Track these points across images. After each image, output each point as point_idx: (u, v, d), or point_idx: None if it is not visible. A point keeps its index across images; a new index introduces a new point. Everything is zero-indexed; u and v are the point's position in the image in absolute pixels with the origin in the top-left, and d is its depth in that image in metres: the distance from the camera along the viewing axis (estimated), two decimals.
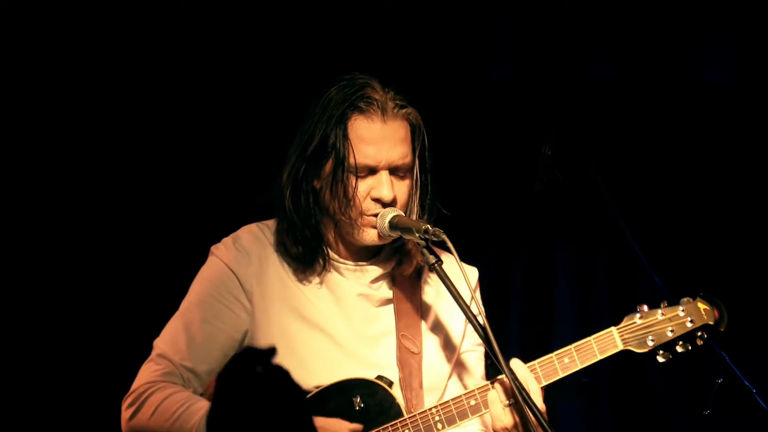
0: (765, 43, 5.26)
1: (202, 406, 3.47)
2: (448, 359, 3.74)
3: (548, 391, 3.53)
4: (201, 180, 4.95)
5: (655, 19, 5.30)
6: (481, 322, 3.36)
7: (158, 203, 4.92)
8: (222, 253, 3.67)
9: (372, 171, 3.56)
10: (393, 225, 3.52)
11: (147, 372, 3.58)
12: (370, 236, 3.58)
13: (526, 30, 5.29)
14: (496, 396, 3.45)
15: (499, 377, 3.48)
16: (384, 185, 3.55)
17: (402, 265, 3.70)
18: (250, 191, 3.87)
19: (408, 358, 3.65)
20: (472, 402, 3.50)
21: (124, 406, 3.57)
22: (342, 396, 3.53)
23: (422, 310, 3.74)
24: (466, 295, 3.45)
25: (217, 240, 3.73)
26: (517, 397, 3.34)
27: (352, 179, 3.55)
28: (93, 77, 4.81)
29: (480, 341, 3.67)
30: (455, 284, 3.43)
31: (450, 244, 3.40)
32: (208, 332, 3.58)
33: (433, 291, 3.77)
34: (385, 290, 3.72)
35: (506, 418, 3.42)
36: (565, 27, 5.24)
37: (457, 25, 5.24)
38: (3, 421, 4.70)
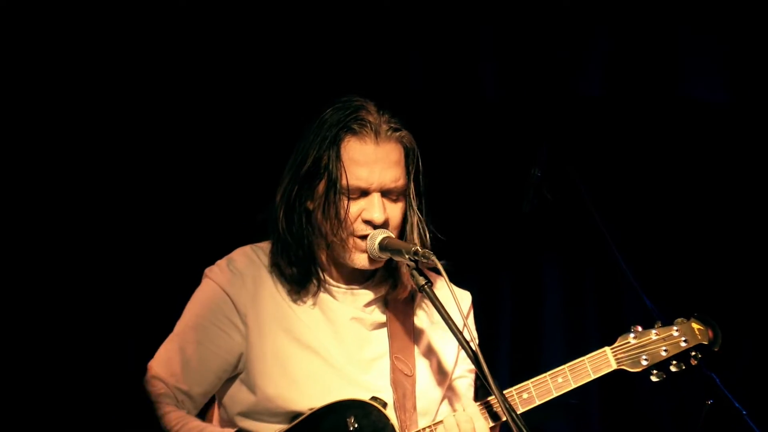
0: (752, 58, 5.28)
1: (196, 425, 3.46)
2: (441, 384, 3.72)
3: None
4: (196, 202, 4.93)
5: (641, 34, 5.30)
6: (471, 344, 3.33)
7: (153, 225, 4.89)
8: (216, 275, 3.64)
9: (364, 193, 3.54)
10: (383, 246, 3.50)
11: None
12: (360, 260, 3.56)
13: (513, 48, 5.29)
14: None
15: (447, 414, 3.49)
16: (375, 207, 3.53)
17: (396, 288, 3.67)
18: (245, 212, 3.85)
19: (402, 380, 3.63)
20: None
21: None
22: (336, 417, 3.50)
23: (415, 333, 3.72)
24: (457, 317, 3.41)
25: (212, 262, 3.71)
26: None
27: (344, 201, 3.52)
28: (79, 111, 4.81)
29: (472, 367, 3.66)
30: (448, 308, 3.40)
31: (440, 266, 3.37)
32: (202, 355, 3.56)
33: (426, 315, 3.75)
34: (378, 314, 3.70)
35: None
36: (553, 44, 5.25)
37: (446, 43, 5.24)
38: None
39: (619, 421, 5.40)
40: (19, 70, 4.59)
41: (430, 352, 3.72)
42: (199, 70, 4.89)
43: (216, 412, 3.75)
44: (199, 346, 3.56)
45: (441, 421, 3.47)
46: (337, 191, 3.52)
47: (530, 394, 3.48)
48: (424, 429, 3.50)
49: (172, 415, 3.48)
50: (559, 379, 3.50)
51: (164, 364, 3.57)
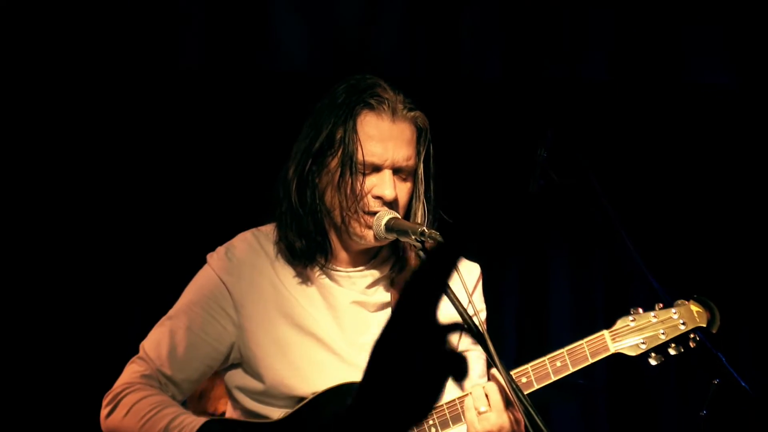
0: (758, 43, 5.19)
1: (171, 412, 3.39)
2: None
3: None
4: (203, 183, 4.90)
5: (648, 18, 5.21)
6: (477, 322, 3.25)
7: (161, 205, 4.87)
8: (215, 262, 3.58)
9: (376, 169, 3.48)
10: (389, 227, 3.42)
11: (128, 372, 3.52)
12: (367, 236, 3.48)
13: (518, 29, 5.20)
14: (471, 402, 3.34)
15: (476, 384, 3.40)
16: (386, 184, 3.46)
17: (402, 272, 3.60)
18: (254, 193, 3.79)
19: None
20: None
21: (103, 404, 3.51)
22: (337, 400, 3.43)
23: None
24: (463, 295, 3.31)
25: (219, 244, 3.65)
26: (508, 396, 3.24)
27: (358, 175, 3.46)
28: (96, 80, 4.77)
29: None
30: (456, 287, 3.31)
31: None
32: (191, 342, 3.50)
33: None
34: (381, 294, 3.62)
35: (480, 426, 3.31)
36: (558, 26, 5.16)
37: (448, 24, 5.16)
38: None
39: (624, 400, 5.33)
40: (20, 70, 4.58)
41: None
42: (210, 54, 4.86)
43: (229, 401, 3.70)
44: (189, 332, 3.50)
45: (468, 394, 3.38)
46: (350, 166, 3.46)
47: (529, 378, 3.39)
48: (453, 401, 3.41)
49: (152, 398, 3.43)
50: (558, 363, 3.40)
51: (153, 346, 3.52)
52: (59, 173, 4.75)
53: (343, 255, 3.60)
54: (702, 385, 4.47)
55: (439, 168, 3.60)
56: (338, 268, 3.59)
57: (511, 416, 3.33)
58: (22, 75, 4.64)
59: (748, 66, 5.18)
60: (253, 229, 3.67)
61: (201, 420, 3.38)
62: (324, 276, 3.58)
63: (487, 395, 3.34)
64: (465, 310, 3.28)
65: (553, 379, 3.41)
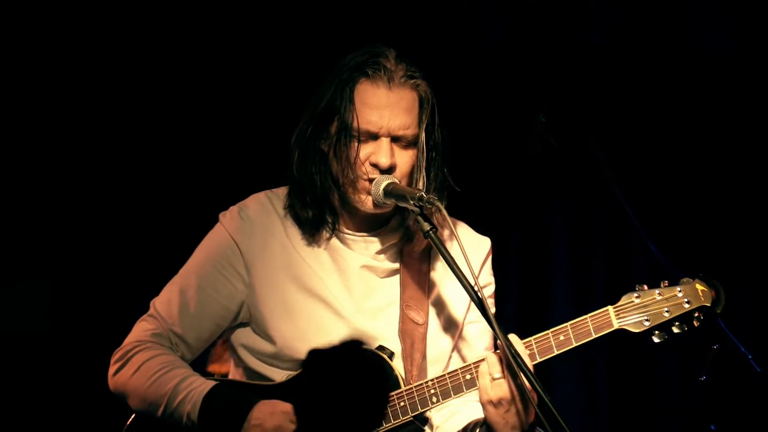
0: (760, 7, 5.10)
1: (180, 373, 3.39)
2: (453, 332, 3.61)
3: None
4: (221, 145, 4.88)
5: None
6: (476, 289, 3.22)
7: (169, 166, 4.85)
8: (227, 221, 3.56)
9: (374, 137, 3.44)
10: (387, 192, 3.39)
11: (139, 330, 3.52)
12: (366, 203, 3.45)
13: None
14: (486, 368, 3.29)
15: (490, 352, 3.35)
16: (382, 152, 3.42)
17: (411, 242, 3.57)
18: (268, 156, 3.76)
19: (411, 330, 3.52)
20: (468, 376, 3.36)
21: (112, 360, 3.51)
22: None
23: (429, 281, 3.61)
24: (465, 266, 3.28)
25: (231, 204, 3.64)
26: (513, 368, 3.19)
27: (354, 143, 3.43)
28: (104, 40, 4.73)
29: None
30: (461, 260, 3.27)
31: (444, 211, 3.30)
32: (202, 300, 3.49)
33: (441, 264, 3.63)
34: (391, 261, 3.60)
35: (493, 392, 3.26)
36: None
37: None
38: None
39: (624, 365, 5.32)
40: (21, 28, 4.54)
41: (443, 300, 3.61)
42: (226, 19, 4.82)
43: (231, 359, 3.69)
44: (200, 291, 3.49)
45: (482, 360, 3.33)
46: (347, 133, 3.43)
47: (532, 350, 3.35)
48: (455, 371, 3.38)
49: (162, 358, 3.43)
50: (561, 337, 3.35)
51: (164, 304, 3.52)
52: (65, 138, 4.73)
53: (352, 220, 3.57)
54: (701, 349, 4.46)
55: (446, 135, 3.56)
56: (349, 232, 3.57)
57: (525, 385, 3.30)
58: (24, 33, 4.59)
59: (748, 28, 5.10)
60: (267, 191, 3.65)
61: (210, 383, 3.37)
62: (335, 239, 3.56)
63: (501, 362, 3.29)
64: (469, 282, 3.26)
65: (556, 352, 3.36)
